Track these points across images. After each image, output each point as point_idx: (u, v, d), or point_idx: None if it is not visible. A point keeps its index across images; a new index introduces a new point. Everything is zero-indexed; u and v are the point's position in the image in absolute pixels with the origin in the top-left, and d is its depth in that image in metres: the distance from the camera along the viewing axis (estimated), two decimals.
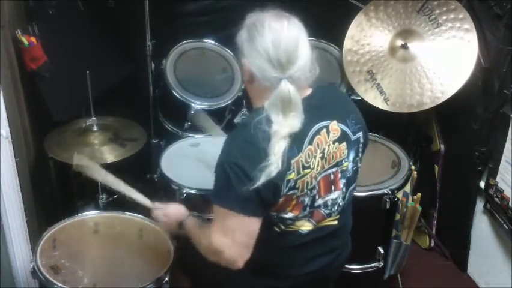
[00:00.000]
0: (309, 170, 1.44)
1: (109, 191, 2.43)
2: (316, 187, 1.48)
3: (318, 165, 1.45)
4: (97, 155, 2.17)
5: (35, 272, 1.75)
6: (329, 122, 1.47)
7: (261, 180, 1.33)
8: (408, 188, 2.32)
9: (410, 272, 2.61)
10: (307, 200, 1.48)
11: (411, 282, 2.61)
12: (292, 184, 1.41)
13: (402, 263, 2.34)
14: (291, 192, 1.42)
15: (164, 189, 2.27)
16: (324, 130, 1.46)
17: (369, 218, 2.21)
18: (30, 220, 2.10)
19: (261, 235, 1.44)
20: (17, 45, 2.10)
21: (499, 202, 2.38)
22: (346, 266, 2.24)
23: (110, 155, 2.19)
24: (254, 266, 1.50)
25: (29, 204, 2.12)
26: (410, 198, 2.34)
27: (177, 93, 2.57)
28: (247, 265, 1.45)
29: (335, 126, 1.48)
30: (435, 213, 2.86)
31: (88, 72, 2.16)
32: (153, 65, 2.61)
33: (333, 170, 1.51)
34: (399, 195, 2.23)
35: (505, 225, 2.36)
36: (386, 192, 2.16)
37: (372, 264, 2.33)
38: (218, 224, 1.44)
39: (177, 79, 2.60)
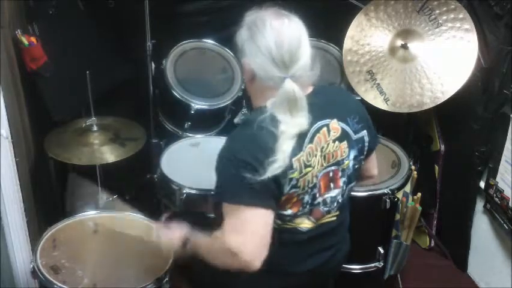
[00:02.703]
0: (310, 168, 1.44)
1: (109, 191, 2.44)
2: (317, 185, 1.48)
3: (318, 163, 1.46)
4: (97, 155, 2.17)
5: (35, 272, 1.75)
6: (329, 120, 1.47)
7: (267, 174, 1.33)
8: (408, 188, 2.32)
9: (410, 272, 2.61)
10: (307, 197, 1.48)
11: (411, 282, 2.61)
12: (295, 183, 1.42)
13: (402, 263, 2.34)
14: (293, 190, 1.43)
15: (164, 189, 2.27)
16: (325, 128, 1.46)
17: (369, 218, 2.21)
18: (30, 220, 2.10)
19: None
20: (17, 45, 2.10)
21: (499, 202, 2.38)
22: (346, 266, 2.24)
23: (110, 155, 2.18)
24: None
25: (29, 204, 2.12)
26: (410, 198, 2.35)
27: (177, 93, 2.56)
28: None
29: (336, 125, 1.48)
30: (435, 213, 2.86)
31: (88, 72, 2.16)
32: (153, 65, 2.61)
33: (333, 168, 1.51)
34: (399, 195, 2.23)
35: (505, 225, 2.36)
36: (386, 192, 2.16)
37: (372, 264, 2.33)
38: (231, 223, 1.37)
39: (177, 79, 2.59)
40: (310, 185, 1.46)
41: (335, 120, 1.48)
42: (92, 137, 2.26)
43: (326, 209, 1.54)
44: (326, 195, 1.52)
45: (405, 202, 2.30)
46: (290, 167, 1.38)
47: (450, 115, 2.63)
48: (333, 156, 1.49)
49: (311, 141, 1.43)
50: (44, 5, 2.32)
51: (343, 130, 1.49)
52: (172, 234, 1.56)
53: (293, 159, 1.39)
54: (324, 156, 1.47)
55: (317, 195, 1.50)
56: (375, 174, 1.79)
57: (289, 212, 1.48)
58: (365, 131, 1.55)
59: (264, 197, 1.36)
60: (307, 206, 1.50)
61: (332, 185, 1.52)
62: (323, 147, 1.46)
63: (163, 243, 1.62)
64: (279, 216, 1.48)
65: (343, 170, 1.53)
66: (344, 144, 1.50)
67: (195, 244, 1.51)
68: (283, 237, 1.52)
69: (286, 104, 1.37)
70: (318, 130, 1.45)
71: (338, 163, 1.51)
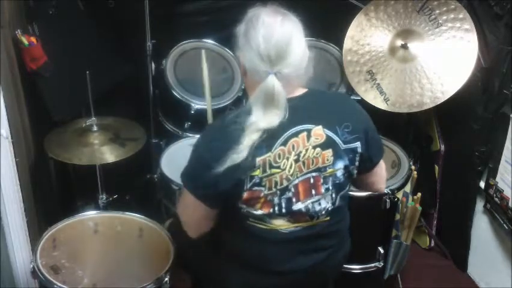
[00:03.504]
0: (278, 170, 1.43)
1: (109, 191, 2.44)
2: (292, 190, 1.46)
3: (291, 167, 1.44)
4: (97, 155, 2.17)
5: (35, 272, 1.75)
6: (312, 126, 1.45)
7: (225, 165, 1.36)
8: (408, 188, 2.32)
9: (410, 272, 2.61)
10: (277, 199, 1.46)
11: (411, 282, 2.61)
12: (257, 181, 1.41)
13: (402, 263, 2.34)
14: (256, 188, 1.42)
15: (164, 189, 2.27)
16: (305, 133, 1.44)
17: (369, 218, 2.21)
18: (30, 220, 2.10)
19: (236, 228, 1.49)
20: (17, 45, 2.10)
21: (499, 202, 2.38)
22: (346, 266, 2.24)
23: (110, 155, 2.19)
24: (244, 262, 1.54)
25: (29, 204, 2.12)
26: (410, 198, 2.35)
27: (177, 93, 2.56)
28: (241, 262, 1.50)
29: (320, 132, 1.45)
30: (435, 213, 2.86)
31: (88, 72, 2.16)
32: (153, 65, 2.61)
33: (314, 174, 1.48)
34: (399, 195, 2.23)
35: (505, 225, 2.36)
36: (386, 192, 2.15)
37: (372, 264, 2.32)
38: (181, 201, 1.58)
39: (177, 79, 2.60)
40: (279, 187, 1.45)
41: (319, 127, 1.45)
42: (92, 137, 2.26)
43: (309, 214, 1.52)
44: (307, 201, 1.50)
45: (405, 202, 2.30)
46: (253, 165, 1.39)
47: (450, 115, 2.63)
48: (313, 162, 1.46)
49: (284, 143, 1.42)
50: (44, 5, 2.32)
51: (328, 138, 1.46)
52: None
53: (257, 159, 1.39)
54: (304, 162, 1.45)
55: (293, 199, 1.48)
56: (381, 189, 1.78)
57: (259, 212, 1.47)
58: (358, 142, 1.51)
59: (207, 193, 1.45)
60: (283, 210, 1.48)
61: (313, 191, 1.50)
62: (300, 152, 1.44)
63: None
64: (253, 217, 1.48)
65: (325, 177, 1.50)
66: (328, 152, 1.47)
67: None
68: (265, 236, 1.52)
69: (262, 99, 1.37)
70: (295, 134, 1.43)
71: (319, 170, 1.48)
